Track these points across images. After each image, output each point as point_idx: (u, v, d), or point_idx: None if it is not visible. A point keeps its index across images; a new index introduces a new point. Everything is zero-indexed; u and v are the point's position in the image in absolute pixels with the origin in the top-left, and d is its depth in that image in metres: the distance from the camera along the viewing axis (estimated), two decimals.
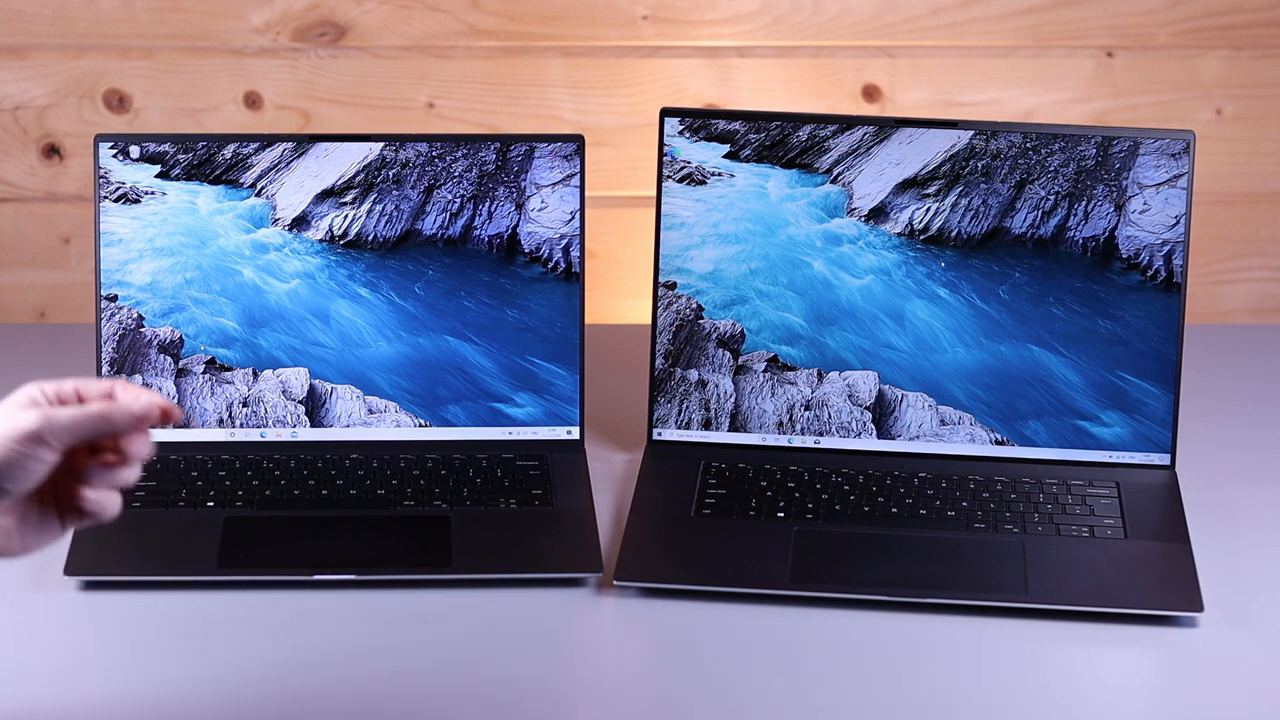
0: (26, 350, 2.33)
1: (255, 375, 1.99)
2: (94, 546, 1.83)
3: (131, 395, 1.50)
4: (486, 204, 2.01)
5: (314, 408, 1.99)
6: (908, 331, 1.99)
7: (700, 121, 2.01)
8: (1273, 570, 1.86)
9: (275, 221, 2.01)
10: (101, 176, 1.99)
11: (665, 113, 2.00)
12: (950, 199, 1.99)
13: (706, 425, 2.00)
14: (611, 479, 2.01)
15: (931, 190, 1.99)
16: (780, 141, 2.00)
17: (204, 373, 1.99)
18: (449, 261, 2.01)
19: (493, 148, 2.01)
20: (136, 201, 2.00)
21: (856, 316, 2.00)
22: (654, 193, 2.01)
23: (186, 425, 1.50)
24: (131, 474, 1.50)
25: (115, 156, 2.00)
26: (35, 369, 2.26)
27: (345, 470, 1.95)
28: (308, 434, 1.99)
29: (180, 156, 2.00)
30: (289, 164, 2.01)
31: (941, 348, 1.99)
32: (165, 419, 1.49)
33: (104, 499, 1.49)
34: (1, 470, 1.47)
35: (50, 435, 1.47)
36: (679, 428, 2.01)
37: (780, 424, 2.00)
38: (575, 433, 2.00)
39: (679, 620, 1.78)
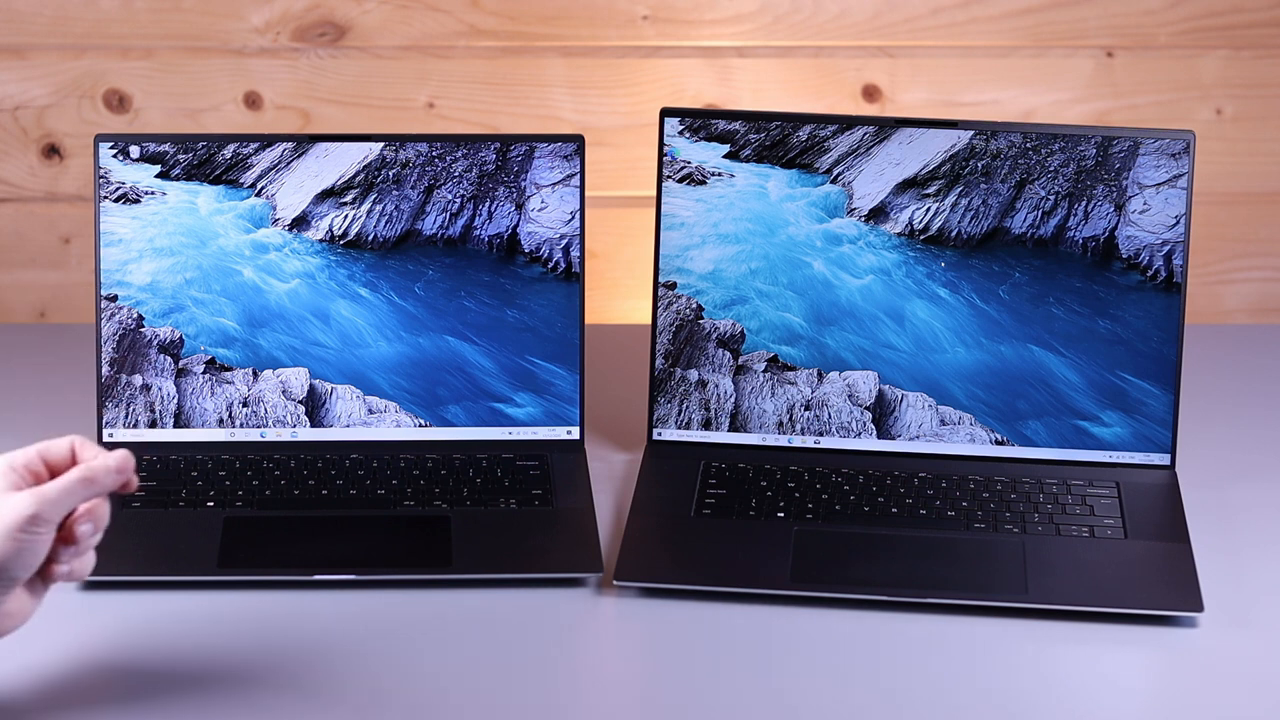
0: (26, 350, 2.33)
1: (255, 375, 1.99)
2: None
3: (92, 452, 1.52)
4: (486, 204, 2.01)
5: (314, 408, 1.99)
6: (908, 331, 1.99)
7: (700, 121, 2.01)
8: (1273, 570, 1.86)
9: (275, 221, 2.01)
10: (101, 176, 1.99)
11: (665, 113, 2.00)
12: (950, 199, 1.99)
13: (706, 425, 2.00)
14: (611, 479, 2.01)
15: (931, 190, 1.99)
16: (780, 141, 2.00)
17: (204, 373, 1.99)
18: (449, 261, 2.01)
19: (493, 148, 2.01)
20: (136, 201, 1.99)
21: (856, 316, 2.00)
22: (654, 193, 2.00)
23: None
24: (96, 538, 1.52)
25: (115, 156, 1.99)
26: (35, 369, 2.27)
27: (345, 470, 1.94)
28: (308, 434, 1.99)
29: (180, 156, 2.00)
30: (289, 164, 2.01)
31: (941, 348, 1.99)
32: (127, 467, 1.51)
33: (76, 567, 1.52)
34: (9, 561, 1.49)
35: (47, 514, 1.49)
36: (679, 428, 2.01)
37: (780, 424, 2.00)
38: (575, 433, 2.00)
39: (679, 620, 1.78)
